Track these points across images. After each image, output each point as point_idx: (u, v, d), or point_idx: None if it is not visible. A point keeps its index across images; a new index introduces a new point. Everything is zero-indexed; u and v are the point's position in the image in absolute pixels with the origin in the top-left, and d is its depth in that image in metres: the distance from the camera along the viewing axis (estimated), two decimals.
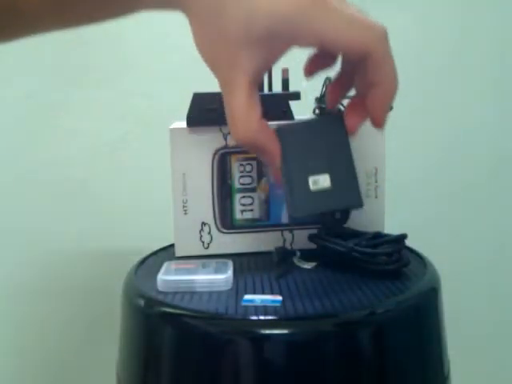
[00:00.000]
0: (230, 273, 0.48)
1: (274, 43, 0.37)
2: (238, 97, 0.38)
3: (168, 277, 0.48)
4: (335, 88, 0.45)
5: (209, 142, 0.56)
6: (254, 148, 0.40)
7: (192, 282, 0.47)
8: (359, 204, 0.43)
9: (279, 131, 0.42)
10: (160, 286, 0.47)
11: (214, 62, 0.38)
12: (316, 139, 0.44)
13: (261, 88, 0.58)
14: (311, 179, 0.42)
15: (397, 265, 0.50)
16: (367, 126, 0.57)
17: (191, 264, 0.51)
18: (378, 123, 0.40)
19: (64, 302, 0.89)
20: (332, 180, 0.42)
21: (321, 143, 0.43)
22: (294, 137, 0.43)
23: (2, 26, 0.36)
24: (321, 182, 0.42)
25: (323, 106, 0.57)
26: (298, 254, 0.55)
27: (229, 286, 0.47)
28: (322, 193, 0.42)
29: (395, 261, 0.50)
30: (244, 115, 0.38)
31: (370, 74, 0.38)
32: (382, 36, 0.38)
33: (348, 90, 0.45)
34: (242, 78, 0.37)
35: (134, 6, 0.39)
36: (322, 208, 0.42)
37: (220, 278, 0.47)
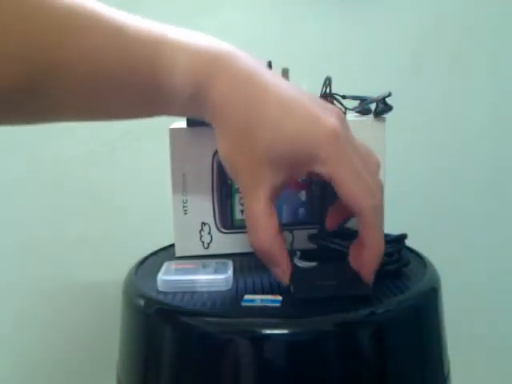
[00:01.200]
0: (230, 273, 0.48)
1: (297, 164, 0.39)
2: (260, 204, 0.40)
3: (168, 277, 0.48)
4: (335, 211, 0.48)
5: (209, 142, 0.56)
6: (269, 257, 0.42)
7: (192, 281, 0.47)
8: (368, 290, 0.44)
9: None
10: (160, 286, 0.47)
11: (238, 170, 0.40)
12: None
13: None
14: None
15: (397, 265, 0.50)
16: (367, 126, 0.57)
17: (191, 264, 0.51)
18: (366, 279, 0.44)
19: (64, 302, 0.89)
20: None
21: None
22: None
23: (21, 103, 0.35)
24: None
25: None
26: (298, 253, 0.55)
27: (229, 285, 0.47)
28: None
29: (395, 261, 0.50)
30: (265, 222, 0.40)
31: (361, 231, 0.42)
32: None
33: (348, 217, 0.48)
34: (266, 189, 0.40)
35: (161, 110, 0.41)
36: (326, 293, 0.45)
37: (220, 277, 0.47)
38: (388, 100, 0.56)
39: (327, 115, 0.39)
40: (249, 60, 0.40)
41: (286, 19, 0.87)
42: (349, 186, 0.39)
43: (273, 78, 0.40)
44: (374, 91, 0.57)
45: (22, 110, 0.35)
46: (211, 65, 0.38)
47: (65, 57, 0.34)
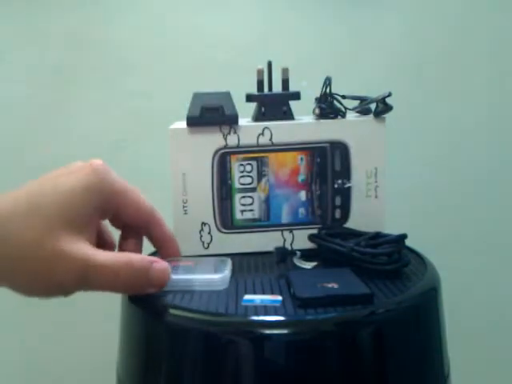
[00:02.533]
0: (226, 272, 0.48)
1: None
2: None
3: None
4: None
5: (209, 142, 0.56)
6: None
7: (189, 281, 0.47)
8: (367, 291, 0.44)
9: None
10: None
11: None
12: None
13: (261, 88, 0.58)
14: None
15: (397, 265, 0.50)
16: (367, 126, 0.57)
17: (188, 262, 0.51)
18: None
19: (63, 302, 0.89)
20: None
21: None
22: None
23: None
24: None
25: (323, 106, 0.57)
26: (298, 254, 0.55)
27: (225, 285, 0.47)
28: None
29: (395, 261, 0.50)
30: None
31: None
32: None
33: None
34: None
35: None
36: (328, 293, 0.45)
37: (216, 277, 0.47)
38: (388, 100, 0.56)
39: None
40: None
41: (287, 19, 0.87)
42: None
43: None
44: (373, 91, 0.57)
45: None
46: None
47: None
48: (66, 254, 0.39)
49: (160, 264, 0.44)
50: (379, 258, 0.50)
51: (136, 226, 0.49)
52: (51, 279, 0.40)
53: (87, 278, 0.40)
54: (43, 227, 0.39)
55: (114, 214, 0.46)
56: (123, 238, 0.49)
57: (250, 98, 0.58)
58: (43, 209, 0.39)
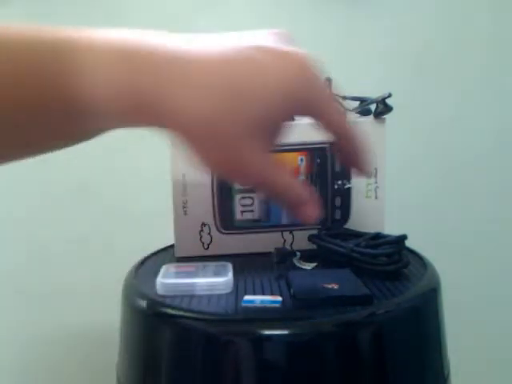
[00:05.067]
0: (230, 275, 0.48)
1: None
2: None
3: (168, 280, 0.47)
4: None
5: None
6: (280, 187, 0.36)
7: (192, 285, 0.47)
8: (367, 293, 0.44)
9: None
10: (160, 290, 0.47)
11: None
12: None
13: None
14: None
15: (397, 266, 0.50)
16: (367, 127, 0.57)
17: (191, 267, 0.51)
18: (366, 164, 0.39)
19: (63, 302, 0.89)
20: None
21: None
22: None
23: None
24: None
25: None
26: (298, 254, 0.55)
27: (229, 289, 0.47)
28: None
29: (395, 262, 0.50)
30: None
31: (336, 136, 0.37)
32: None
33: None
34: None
35: (89, 128, 0.33)
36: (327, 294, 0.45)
37: (220, 280, 0.47)
38: (388, 101, 0.56)
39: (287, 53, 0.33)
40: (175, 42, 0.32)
41: (287, 19, 0.87)
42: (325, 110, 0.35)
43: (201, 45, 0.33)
44: (374, 92, 0.57)
45: None
46: (145, 64, 0.31)
47: None
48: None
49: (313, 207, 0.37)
50: (379, 259, 0.50)
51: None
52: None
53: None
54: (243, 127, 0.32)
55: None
56: None
57: None
58: (247, 112, 0.32)
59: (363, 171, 0.38)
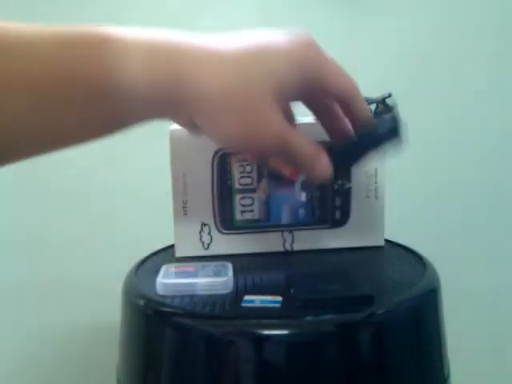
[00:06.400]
0: (230, 275, 0.48)
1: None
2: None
3: (168, 280, 0.48)
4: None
5: (209, 142, 0.55)
6: (294, 149, 0.40)
7: (192, 285, 0.47)
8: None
9: None
10: (160, 290, 0.47)
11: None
12: None
13: None
14: None
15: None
16: None
17: (191, 267, 0.51)
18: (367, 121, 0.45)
19: (63, 302, 0.89)
20: None
21: None
22: None
23: None
24: None
25: None
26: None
27: (229, 289, 0.47)
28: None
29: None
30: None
31: (347, 107, 0.45)
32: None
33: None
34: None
35: (123, 121, 0.37)
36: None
37: (220, 280, 0.47)
38: (388, 101, 0.56)
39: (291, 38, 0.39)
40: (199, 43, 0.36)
41: (287, 19, 0.87)
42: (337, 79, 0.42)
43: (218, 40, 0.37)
44: (374, 92, 0.57)
45: None
46: (174, 58, 0.34)
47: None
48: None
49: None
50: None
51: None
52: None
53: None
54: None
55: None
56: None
57: None
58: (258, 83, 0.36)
59: (367, 122, 0.44)
